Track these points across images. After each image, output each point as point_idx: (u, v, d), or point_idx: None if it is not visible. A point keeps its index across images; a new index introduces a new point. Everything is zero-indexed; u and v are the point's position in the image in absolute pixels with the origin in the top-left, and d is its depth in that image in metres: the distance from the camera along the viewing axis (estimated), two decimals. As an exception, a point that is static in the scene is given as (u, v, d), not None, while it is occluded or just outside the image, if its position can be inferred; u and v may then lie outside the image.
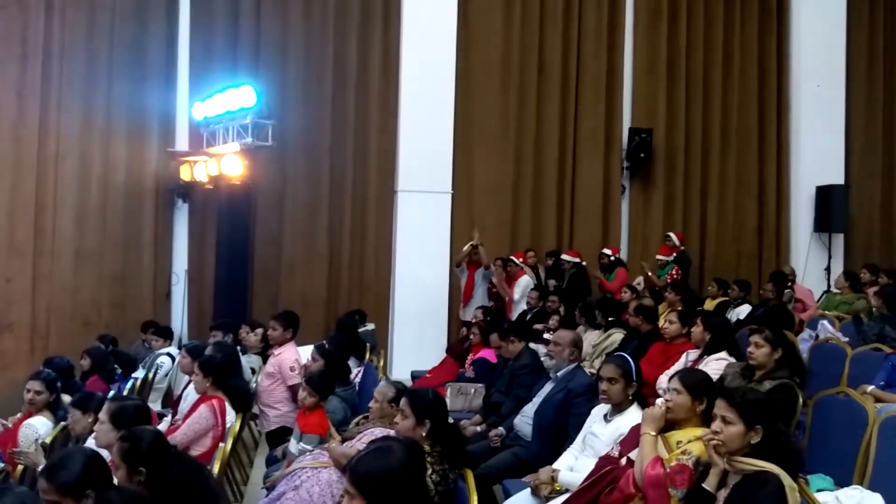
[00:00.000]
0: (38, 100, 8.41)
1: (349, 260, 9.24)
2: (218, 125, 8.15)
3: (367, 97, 9.24)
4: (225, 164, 7.84)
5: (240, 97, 7.60)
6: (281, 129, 8.25)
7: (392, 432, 3.85)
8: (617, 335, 6.42)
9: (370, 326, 7.72)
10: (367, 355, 6.50)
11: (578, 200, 9.87)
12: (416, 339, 9.03)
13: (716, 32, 10.33)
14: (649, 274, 9.21)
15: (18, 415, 5.01)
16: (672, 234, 9.56)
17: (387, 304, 9.29)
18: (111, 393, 5.46)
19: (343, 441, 4.01)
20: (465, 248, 8.87)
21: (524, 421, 4.66)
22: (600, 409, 3.93)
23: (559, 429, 4.31)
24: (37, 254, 8.39)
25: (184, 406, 4.95)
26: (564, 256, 9.14)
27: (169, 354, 7.14)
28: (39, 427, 4.45)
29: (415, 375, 7.47)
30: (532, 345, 5.82)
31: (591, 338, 6.59)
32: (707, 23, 10.30)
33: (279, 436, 5.26)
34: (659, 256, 9.40)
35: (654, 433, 3.17)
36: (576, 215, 9.87)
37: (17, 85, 8.38)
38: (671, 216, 10.14)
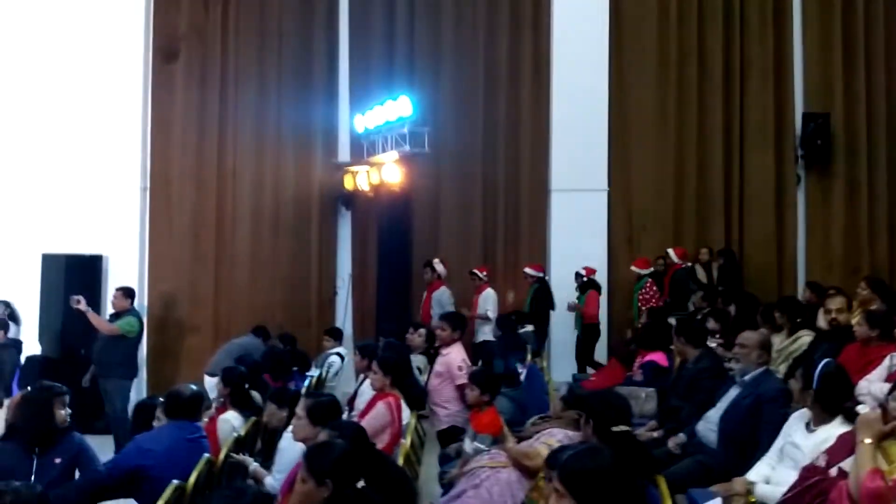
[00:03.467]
0: (217, 121, 9.18)
1: (504, 261, 9.26)
2: (377, 135, 8.46)
3: (519, 99, 9.26)
4: (385, 172, 8.11)
5: (397, 108, 7.83)
6: (435, 136, 8.43)
7: (570, 433, 3.78)
8: (805, 338, 5.92)
9: (529, 328, 7.67)
10: (529, 356, 6.45)
11: (748, 194, 9.29)
12: (575, 342, 8.86)
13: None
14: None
15: (212, 410, 5.39)
16: (671, 251, 8.79)
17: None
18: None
19: (519, 441, 3.98)
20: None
21: (708, 427, 4.40)
22: (800, 417, 3.61)
23: (748, 436, 4.06)
24: (218, 262, 9.13)
25: (359, 403, 5.13)
26: (527, 270, 8.55)
27: (338, 354, 7.47)
28: (234, 421, 4.76)
29: (577, 378, 7.31)
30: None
31: (775, 342, 6.13)
32: (886, -4, 9.36)
33: (450, 434, 5.32)
34: (633, 268, 8.67)
35: (871, 441, 2.86)
36: (746, 210, 9.29)
37: (198, 108, 9.19)
38: (854, 205, 9.28)
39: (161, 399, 4.36)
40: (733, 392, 4.37)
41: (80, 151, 8.86)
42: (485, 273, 8.40)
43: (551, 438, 3.79)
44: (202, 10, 9.14)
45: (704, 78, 9.31)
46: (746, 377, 4.32)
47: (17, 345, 7.61)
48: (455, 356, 5.56)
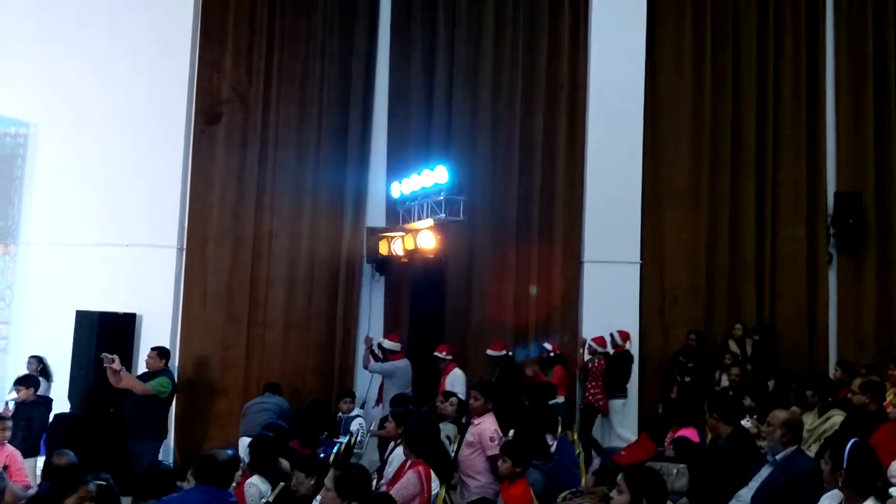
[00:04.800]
0: (255, 183, 9.36)
1: (535, 331, 9.22)
2: (413, 203, 8.59)
3: (554, 170, 9.39)
4: (419, 239, 8.20)
5: (434, 175, 7.99)
6: (471, 204, 8.54)
7: (604, 510, 3.72)
8: (837, 417, 5.81)
9: (560, 399, 7.58)
10: (560, 429, 6.36)
11: (780, 270, 9.26)
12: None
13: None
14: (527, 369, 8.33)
15: (238, 474, 5.36)
16: (615, 333, 8.73)
17: (574, 377, 9.10)
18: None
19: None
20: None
21: (741, 506, 4.30)
22: (832, 498, 3.55)
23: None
24: (251, 324, 9.17)
25: (388, 471, 5.08)
26: (489, 352, 8.30)
27: (359, 416, 7.42)
28: (261, 485, 4.74)
29: (608, 452, 7.18)
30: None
31: (806, 421, 6.01)
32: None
33: (479, 506, 5.22)
34: (591, 343, 8.63)
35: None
36: (777, 286, 9.25)
37: (238, 169, 9.40)
38: (886, 284, 9.21)
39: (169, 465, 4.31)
40: (765, 471, 4.29)
41: (119, 209, 9.03)
42: (445, 353, 8.03)
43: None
44: (245, 75, 9.45)
45: (738, 151, 9.42)
46: (778, 456, 4.24)
47: (46, 402, 7.60)
48: (487, 426, 5.50)
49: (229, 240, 9.28)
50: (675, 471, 5.68)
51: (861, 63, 9.52)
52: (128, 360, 8.11)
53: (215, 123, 9.40)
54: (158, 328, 8.84)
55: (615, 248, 9.09)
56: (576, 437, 6.23)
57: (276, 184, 9.37)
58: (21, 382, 7.32)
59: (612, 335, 8.70)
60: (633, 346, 8.89)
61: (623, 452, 6.73)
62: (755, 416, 5.94)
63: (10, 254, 9.29)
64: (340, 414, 7.91)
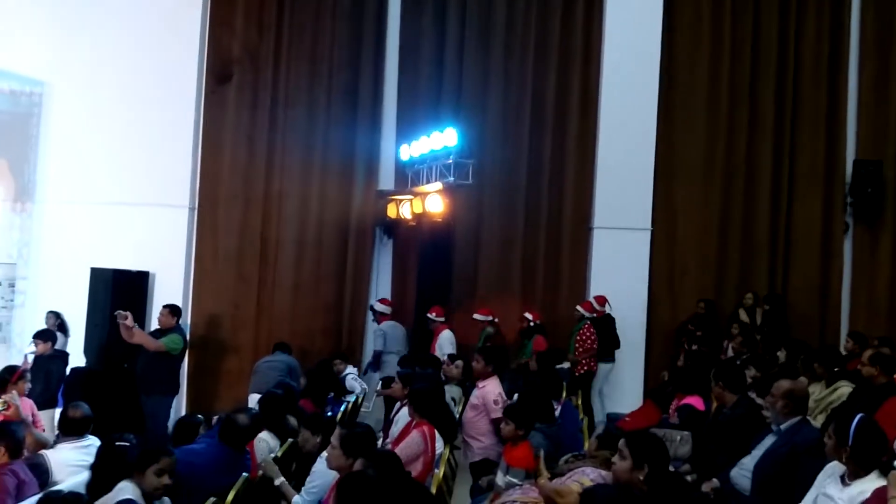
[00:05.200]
0: (266, 143, 9.37)
1: (542, 297, 9.23)
2: (422, 166, 8.56)
3: (565, 134, 9.28)
4: (428, 203, 8.19)
5: (443, 138, 7.95)
6: (480, 168, 8.50)
7: (604, 473, 3.76)
8: (844, 388, 5.81)
9: (565, 365, 7.62)
10: (564, 394, 6.41)
11: (794, 239, 9.15)
12: (610, 379, 8.76)
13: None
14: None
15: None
16: (592, 299, 8.61)
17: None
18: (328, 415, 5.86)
19: (551, 478, 3.95)
20: None
21: (742, 474, 4.33)
22: (834, 468, 3.56)
23: (783, 485, 3.98)
24: (261, 284, 9.28)
25: (394, 430, 5.17)
26: (476, 316, 8.37)
27: (351, 373, 7.54)
28: (270, 441, 4.84)
29: (612, 417, 7.24)
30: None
31: (813, 391, 6.01)
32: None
33: (482, 467, 5.31)
34: (578, 308, 8.50)
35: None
36: (791, 256, 9.14)
37: (248, 129, 9.40)
38: (903, 255, 9.08)
39: (200, 417, 4.46)
40: (769, 440, 4.30)
41: (132, 168, 9.10)
42: (436, 314, 8.22)
43: (584, 477, 3.76)
44: (256, 34, 9.39)
45: (755, 118, 9.23)
46: (783, 426, 4.24)
47: (63, 356, 7.82)
48: (491, 389, 5.56)
49: (240, 200, 9.34)
50: (678, 437, 5.72)
51: (887, 29, 9.25)
52: (141, 317, 8.25)
53: (226, 83, 9.37)
54: (170, 286, 8.96)
55: (626, 215, 9.01)
56: (579, 402, 6.28)
57: (286, 144, 9.37)
58: (39, 336, 7.51)
59: (590, 301, 8.62)
60: (641, 314, 8.88)
61: (627, 418, 6.77)
62: (756, 389, 5.93)
63: (26, 211, 9.38)
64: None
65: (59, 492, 3.53)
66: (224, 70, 9.39)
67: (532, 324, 8.41)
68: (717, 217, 9.19)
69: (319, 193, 9.36)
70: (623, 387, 8.59)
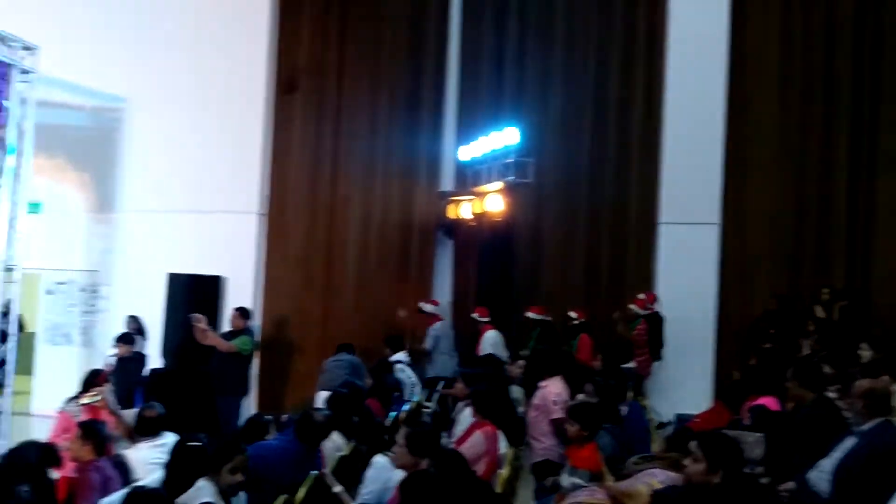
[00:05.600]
0: (330, 151, 9.61)
1: (606, 294, 9.09)
2: (482, 166, 8.58)
3: (629, 129, 9.13)
4: (488, 202, 8.20)
5: (503, 138, 7.94)
6: (539, 166, 8.45)
7: (672, 475, 3.68)
8: (931, 386, 5.49)
9: (632, 364, 7.50)
10: (632, 393, 6.30)
11: (876, 226, 8.60)
12: (678, 379, 8.55)
13: None
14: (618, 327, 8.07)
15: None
16: (642, 294, 8.27)
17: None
18: (391, 415, 5.94)
19: (617, 480, 3.90)
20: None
21: (821, 477, 4.16)
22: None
23: (864, 490, 3.80)
24: (327, 286, 9.51)
25: (457, 430, 5.18)
26: (529, 314, 8.17)
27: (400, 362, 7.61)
28: (338, 440, 4.93)
29: (681, 418, 7.07)
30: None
31: (897, 389, 5.72)
32: None
33: (544, 468, 5.26)
34: (631, 306, 8.17)
35: None
36: (875, 246, 8.61)
37: (314, 136, 9.65)
38: None
39: (269, 417, 4.59)
40: (849, 442, 4.12)
41: (206, 177, 9.44)
42: (480, 315, 8.29)
43: (653, 479, 3.69)
44: (321, 44, 9.63)
45: (830, 103, 8.78)
46: (864, 427, 4.06)
47: (141, 358, 8.15)
48: (552, 389, 5.51)
49: (306, 206, 9.58)
50: (750, 440, 5.55)
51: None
52: (214, 320, 8.52)
53: (293, 93, 9.62)
54: (241, 289, 9.25)
55: (693, 210, 8.77)
56: (647, 401, 6.16)
57: (350, 149, 9.58)
58: (120, 340, 7.84)
59: (642, 298, 8.40)
60: (709, 311, 8.62)
61: (697, 419, 6.60)
62: (838, 387, 5.68)
63: (108, 222, 9.84)
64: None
65: (143, 487, 3.68)
66: (291, 80, 9.65)
67: (575, 322, 8.30)
68: (790, 208, 8.79)
69: (382, 196, 9.53)
70: (689, 387, 8.35)
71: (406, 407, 6.31)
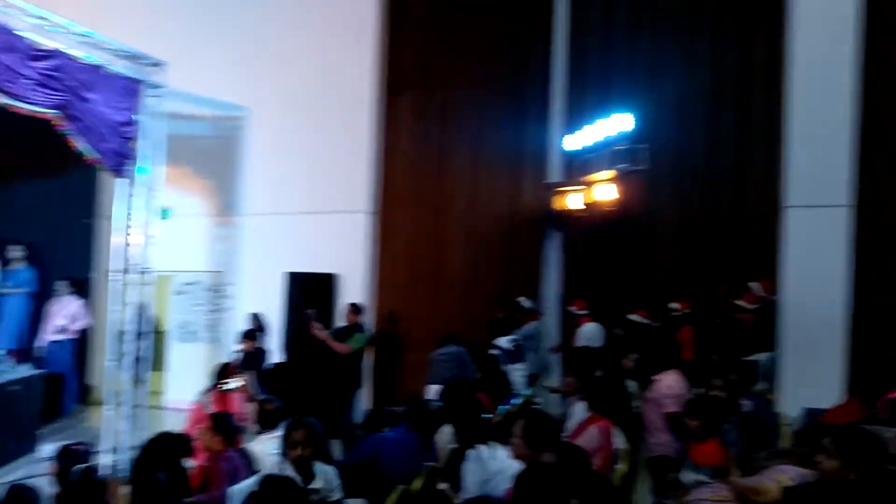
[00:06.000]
0: (436, 146, 9.64)
1: (727, 281, 8.62)
2: (590, 155, 8.37)
3: (749, 109, 8.67)
4: (597, 192, 7.99)
5: (614, 124, 7.70)
6: (653, 152, 8.13)
7: (803, 472, 3.43)
8: None
9: (761, 356, 7.09)
10: (757, 386, 5.96)
11: None
12: (808, 372, 7.99)
13: None
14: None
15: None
16: (756, 284, 7.53)
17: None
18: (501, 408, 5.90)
19: (744, 476, 3.68)
20: None
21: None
22: None
23: None
24: (435, 283, 9.55)
25: (570, 424, 5.07)
26: (573, 309, 7.92)
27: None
28: (450, 433, 4.93)
29: (812, 414, 6.58)
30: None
31: None
32: None
33: (660, 463, 5.07)
34: (739, 303, 7.50)
35: None
36: None
37: (421, 134, 9.70)
38: None
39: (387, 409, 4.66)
40: None
41: (319, 179, 9.71)
42: (577, 308, 8.14)
43: (783, 475, 3.46)
44: (426, 42, 9.68)
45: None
46: None
47: (261, 353, 8.54)
48: (666, 383, 5.29)
49: (414, 202, 9.67)
50: (889, 435, 5.11)
51: None
52: (328, 316, 8.79)
53: (401, 93, 9.76)
54: (354, 286, 9.46)
55: (822, 192, 8.13)
56: (774, 395, 5.79)
57: (456, 145, 9.59)
58: (243, 336, 8.25)
59: (753, 291, 7.91)
60: (838, 299, 8.00)
61: (827, 414, 6.14)
62: None
63: (231, 225, 10.37)
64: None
65: (275, 474, 3.83)
66: (399, 81, 9.79)
67: (679, 313, 7.99)
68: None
69: (488, 190, 9.50)
70: (818, 380, 7.77)
71: (516, 401, 6.25)
